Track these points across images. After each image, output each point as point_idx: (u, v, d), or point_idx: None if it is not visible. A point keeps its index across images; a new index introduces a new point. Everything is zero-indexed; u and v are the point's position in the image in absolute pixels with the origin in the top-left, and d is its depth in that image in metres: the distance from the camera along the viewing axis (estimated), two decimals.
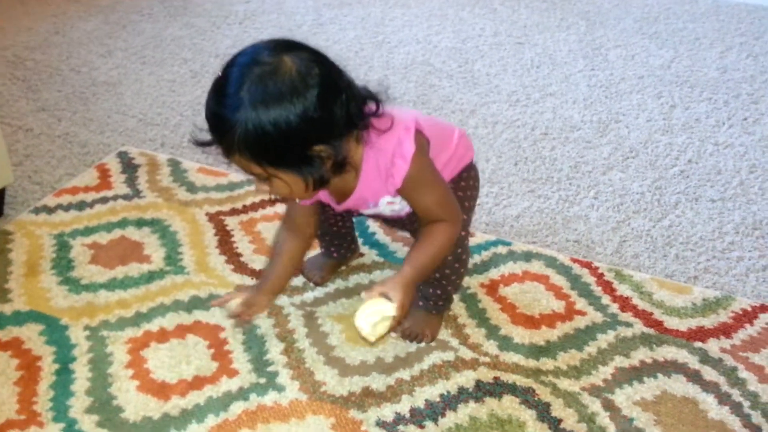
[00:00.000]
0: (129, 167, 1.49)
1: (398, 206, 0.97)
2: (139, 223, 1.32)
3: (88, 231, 1.29)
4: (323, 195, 0.96)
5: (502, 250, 1.33)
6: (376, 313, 0.84)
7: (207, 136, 0.83)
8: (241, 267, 1.23)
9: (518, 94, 1.99)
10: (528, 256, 1.31)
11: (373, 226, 1.38)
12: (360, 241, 1.33)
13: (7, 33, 2.14)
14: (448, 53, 2.24)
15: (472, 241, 1.34)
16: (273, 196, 0.91)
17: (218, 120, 0.79)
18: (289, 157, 0.79)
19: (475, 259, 1.30)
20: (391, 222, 1.10)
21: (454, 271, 1.07)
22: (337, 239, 1.20)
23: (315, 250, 1.28)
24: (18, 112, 1.69)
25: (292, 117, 0.76)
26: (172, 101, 1.80)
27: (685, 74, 2.18)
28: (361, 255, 1.30)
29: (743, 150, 1.76)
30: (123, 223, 1.32)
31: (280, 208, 1.41)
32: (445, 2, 2.72)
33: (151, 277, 1.19)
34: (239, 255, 1.26)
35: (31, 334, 1.07)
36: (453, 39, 2.36)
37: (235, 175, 1.50)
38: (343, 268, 1.26)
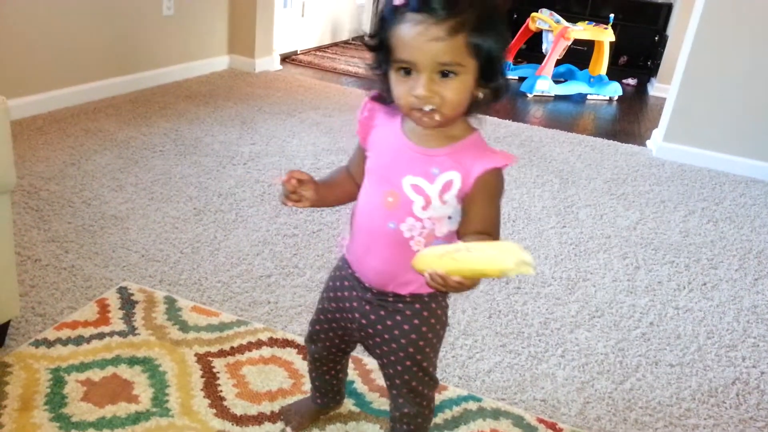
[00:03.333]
0: (127, 303, 1.59)
1: (446, 207, 0.93)
2: (131, 362, 1.40)
3: (83, 367, 1.36)
4: (397, 134, 0.95)
5: (472, 406, 1.41)
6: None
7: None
8: (223, 412, 1.30)
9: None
10: (497, 414, 1.39)
11: (352, 374, 1.46)
12: None
13: (26, 162, 2.31)
14: None
15: (445, 395, 1.43)
16: (424, 107, 0.86)
17: None
18: (495, 45, 0.85)
19: (447, 414, 1.37)
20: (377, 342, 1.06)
21: (426, 422, 1.14)
22: (326, 387, 1.27)
23: (301, 395, 1.36)
24: (29, 242, 1.81)
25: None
26: (175, 238, 1.94)
27: (650, 236, 2.37)
28: None
29: (702, 315, 1.89)
30: (116, 361, 1.40)
31: (266, 352, 1.49)
32: None
33: (137, 418, 1.25)
34: (222, 399, 1.33)
35: None
36: None
37: (227, 315, 1.60)
38: (322, 417, 1.33)
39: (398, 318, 1.02)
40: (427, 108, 0.85)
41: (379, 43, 0.88)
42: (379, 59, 0.90)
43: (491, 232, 0.93)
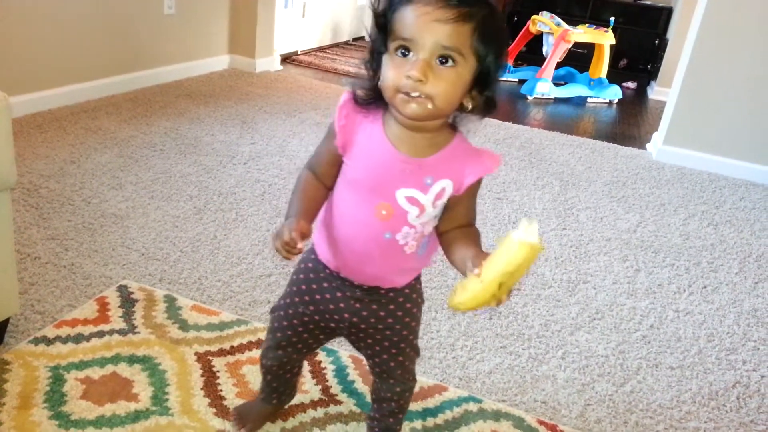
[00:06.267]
0: (127, 302, 1.59)
1: (436, 210, 0.94)
2: (131, 360, 1.39)
3: (82, 365, 1.36)
4: (383, 143, 0.91)
5: (473, 407, 1.40)
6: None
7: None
8: (223, 411, 1.29)
9: (494, 248, 2.14)
10: (497, 415, 1.38)
11: (353, 374, 1.46)
12: (338, 388, 1.41)
13: (25, 160, 2.30)
14: None
15: (446, 396, 1.42)
16: (413, 92, 0.83)
17: None
18: (496, 54, 0.85)
19: (447, 415, 1.37)
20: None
21: (411, 393, 1.16)
22: (284, 386, 1.24)
23: (302, 395, 1.35)
24: (28, 240, 1.80)
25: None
26: (175, 237, 1.93)
27: (650, 239, 2.37)
28: (339, 403, 1.37)
29: (702, 318, 1.89)
30: (116, 359, 1.39)
31: None
32: None
33: (137, 416, 1.25)
34: (222, 398, 1.33)
35: None
36: None
37: (227, 314, 1.60)
38: (318, 416, 1.32)
39: (391, 307, 1.04)
40: (414, 94, 0.82)
41: (384, 23, 0.85)
42: (377, 42, 0.87)
43: (472, 222, 0.98)
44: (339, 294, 1.03)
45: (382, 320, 1.04)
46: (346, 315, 1.04)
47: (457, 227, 0.96)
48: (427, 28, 0.81)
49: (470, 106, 0.88)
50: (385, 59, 0.86)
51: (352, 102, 0.93)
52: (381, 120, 0.92)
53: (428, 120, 0.87)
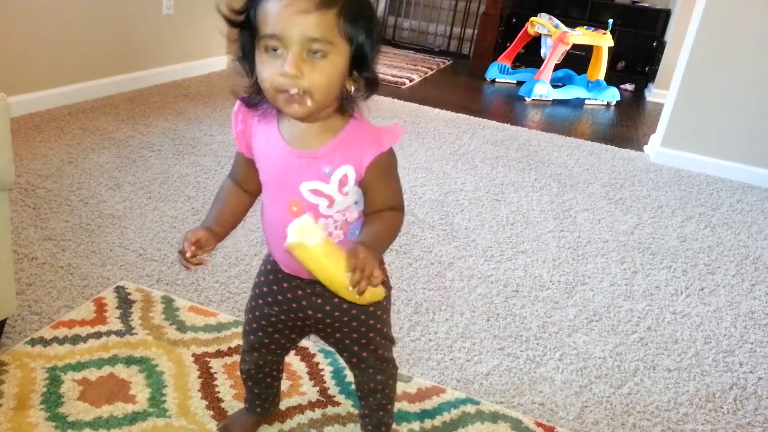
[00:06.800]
0: (125, 303, 1.58)
1: (349, 198, 0.94)
2: (128, 361, 1.39)
3: (79, 366, 1.35)
4: (278, 142, 0.92)
5: (470, 408, 1.40)
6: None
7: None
8: (220, 413, 1.29)
9: (493, 249, 2.14)
10: (495, 417, 1.39)
11: (350, 375, 1.45)
12: (336, 389, 1.41)
13: (23, 160, 2.30)
14: (431, 205, 2.42)
15: (443, 398, 1.42)
16: (291, 89, 0.81)
17: None
18: (366, 32, 0.83)
19: (445, 417, 1.37)
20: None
21: (395, 381, 1.17)
22: (267, 392, 1.23)
23: (299, 397, 1.35)
24: (26, 240, 1.80)
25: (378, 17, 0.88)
26: (172, 237, 1.93)
27: (647, 241, 2.37)
28: (337, 404, 1.37)
29: (699, 320, 1.89)
30: (113, 360, 1.39)
31: None
32: (431, 156, 2.96)
33: (134, 418, 1.24)
34: (220, 400, 1.32)
35: None
36: (436, 192, 2.56)
37: (224, 315, 1.59)
38: (316, 417, 1.32)
39: None
40: (293, 91, 0.81)
41: (245, 21, 0.83)
42: (244, 42, 0.85)
43: (395, 206, 0.96)
44: (300, 292, 1.03)
45: (346, 312, 1.03)
46: (309, 312, 1.04)
47: (377, 211, 0.95)
48: (291, 22, 0.78)
49: (353, 89, 0.88)
50: (258, 58, 0.84)
51: (245, 107, 0.94)
52: (275, 118, 0.93)
53: (314, 114, 0.86)
